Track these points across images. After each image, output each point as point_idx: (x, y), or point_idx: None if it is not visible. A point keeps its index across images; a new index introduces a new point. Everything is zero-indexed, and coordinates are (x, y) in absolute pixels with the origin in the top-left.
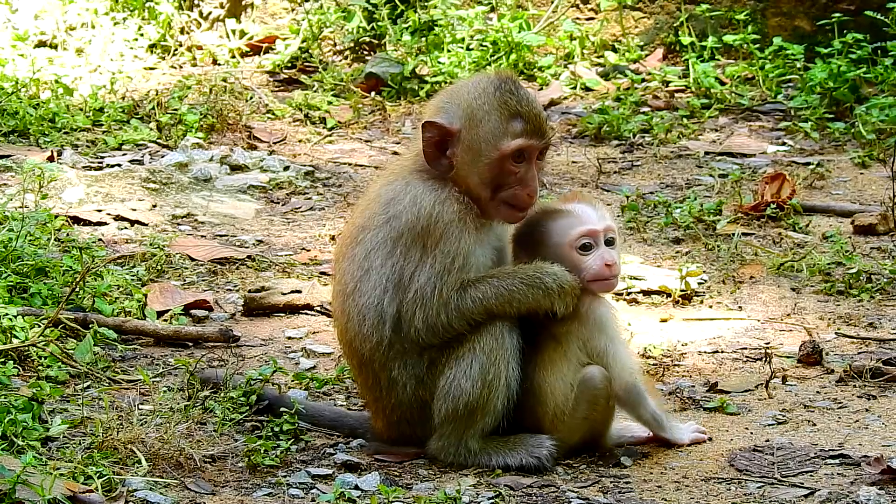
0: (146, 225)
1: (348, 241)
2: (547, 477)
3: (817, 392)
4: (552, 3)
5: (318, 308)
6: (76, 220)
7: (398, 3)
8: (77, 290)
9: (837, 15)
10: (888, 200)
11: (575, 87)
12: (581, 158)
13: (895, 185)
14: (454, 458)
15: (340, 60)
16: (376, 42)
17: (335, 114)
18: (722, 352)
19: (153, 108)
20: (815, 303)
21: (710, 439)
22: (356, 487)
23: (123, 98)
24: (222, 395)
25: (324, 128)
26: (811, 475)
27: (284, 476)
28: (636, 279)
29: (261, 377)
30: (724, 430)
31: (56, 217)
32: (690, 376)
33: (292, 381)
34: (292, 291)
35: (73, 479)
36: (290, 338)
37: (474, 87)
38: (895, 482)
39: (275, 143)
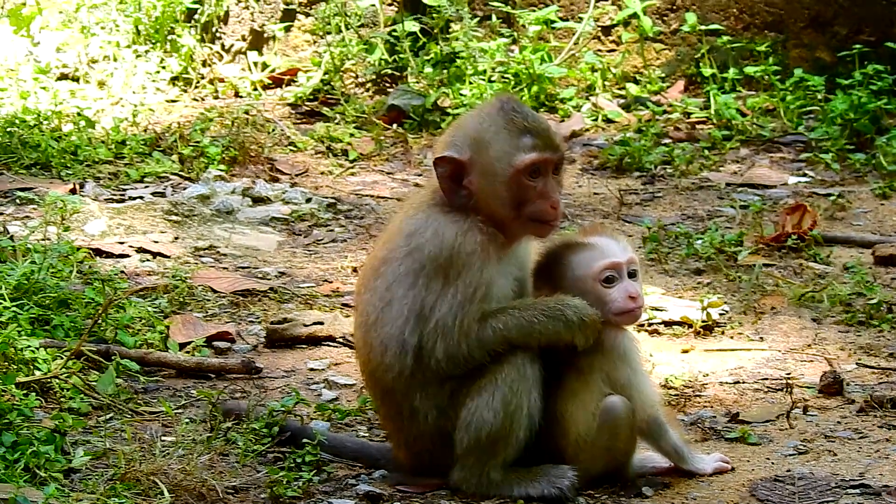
0: (168, 257)
1: (370, 273)
2: None
3: (838, 422)
4: (574, 35)
5: (341, 339)
6: (98, 253)
7: (420, 35)
8: (99, 322)
9: (858, 46)
10: None
11: (596, 119)
12: (602, 190)
13: None
14: (476, 489)
15: (362, 93)
16: (398, 74)
17: (357, 146)
18: (743, 382)
19: (175, 141)
20: (836, 333)
21: (732, 469)
22: None
23: (146, 130)
24: (245, 426)
25: (346, 160)
26: None
27: None
28: (658, 310)
29: (283, 408)
30: (746, 460)
31: (78, 249)
32: (712, 407)
33: (314, 412)
34: (314, 323)
35: None
36: (312, 369)
37: (478, 114)
38: None
39: (297, 176)
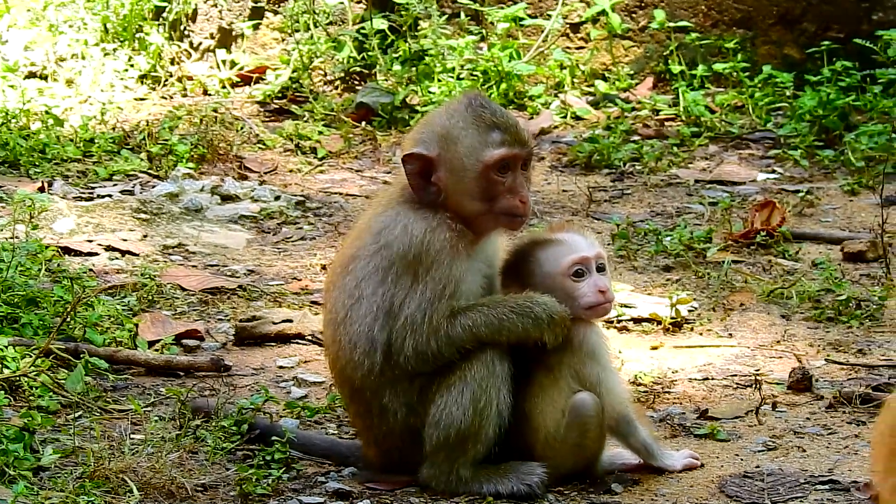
0: (137, 255)
1: (339, 270)
2: None
3: (807, 418)
4: (542, 32)
5: (310, 337)
6: (67, 251)
7: (388, 33)
8: (68, 320)
9: (826, 43)
10: (877, 227)
11: (565, 116)
12: (571, 187)
13: (884, 212)
14: (445, 486)
15: (331, 90)
16: (367, 72)
17: (326, 143)
18: (712, 379)
19: (144, 139)
20: (805, 329)
21: (702, 465)
22: None
23: (114, 129)
24: (214, 424)
25: (314, 158)
26: (801, 501)
27: None
28: (627, 307)
29: (252, 406)
30: (715, 456)
31: (47, 248)
32: (681, 403)
33: (284, 409)
34: (283, 321)
35: None
36: (281, 367)
37: (446, 111)
38: None
39: (266, 173)
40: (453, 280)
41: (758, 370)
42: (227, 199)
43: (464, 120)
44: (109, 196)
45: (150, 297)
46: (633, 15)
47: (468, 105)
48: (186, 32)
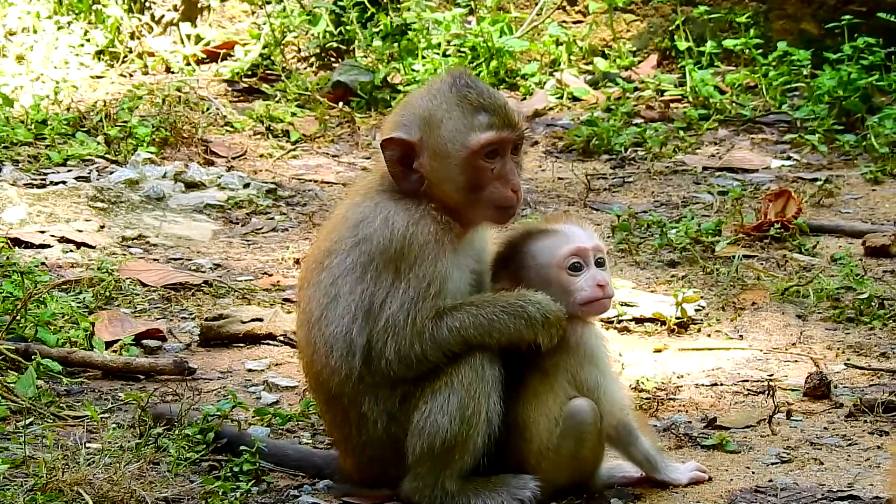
0: (93, 247)
1: (314, 266)
2: None
3: (825, 428)
4: (536, 5)
5: (282, 338)
6: (17, 243)
7: (368, 5)
8: (18, 318)
9: (847, 17)
10: None
11: (561, 97)
12: (568, 174)
13: None
14: (430, 501)
15: (305, 68)
16: (344, 48)
17: (299, 126)
18: (721, 384)
19: (101, 121)
20: (823, 331)
21: (709, 479)
22: None
23: (68, 109)
24: (177, 432)
25: (287, 141)
26: None
27: None
28: (628, 305)
29: (219, 413)
30: (724, 469)
31: None
32: (687, 411)
33: (253, 417)
34: (253, 320)
35: None
36: (250, 370)
37: (428, 91)
38: None
39: (234, 159)
40: (438, 277)
41: (771, 375)
42: (191, 186)
43: (448, 101)
44: (63, 183)
45: (107, 294)
46: None
47: (452, 84)
48: (147, 4)
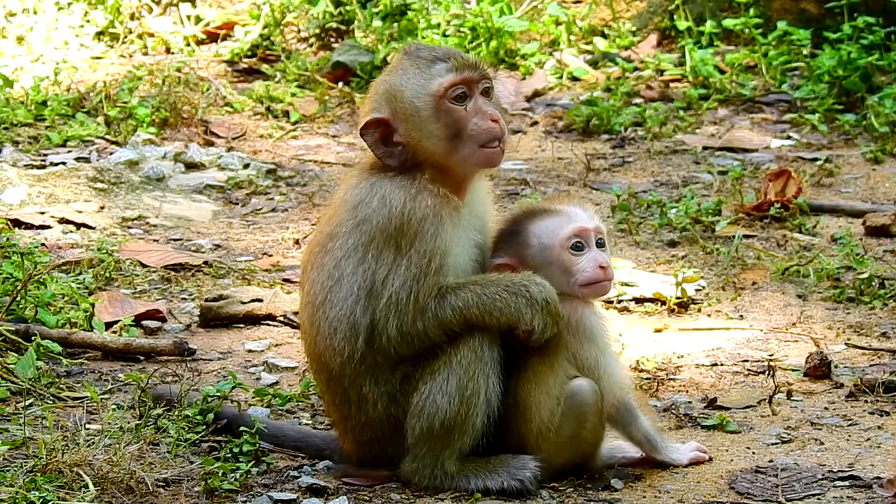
0: (93, 228)
1: (316, 249)
2: (531, 501)
3: (825, 408)
4: None
5: (281, 318)
6: (17, 223)
7: None
8: (18, 299)
9: None
10: None
11: (561, 77)
12: (567, 154)
13: None
14: (429, 482)
15: (305, 48)
16: (344, 28)
17: (299, 106)
18: (721, 364)
19: (101, 102)
20: (823, 311)
21: (710, 459)
22: None
23: (68, 90)
24: (177, 413)
25: (287, 122)
26: (818, 498)
27: (244, 501)
28: (628, 286)
29: (219, 394)
30: (724, 449)
31: None
32: (687, 391)
33: (253, 397)
34: (253, 300)
35: None
36: (250, 351)
37: (386, 70)
38: None
39: (233, 139)
40: (439, 252)
41: (771, 355)
42: (191, 167)
43: (403, 67)
44: (63, 164)
45: (107, 275)
46: None
47: (404, 53)
48: None
